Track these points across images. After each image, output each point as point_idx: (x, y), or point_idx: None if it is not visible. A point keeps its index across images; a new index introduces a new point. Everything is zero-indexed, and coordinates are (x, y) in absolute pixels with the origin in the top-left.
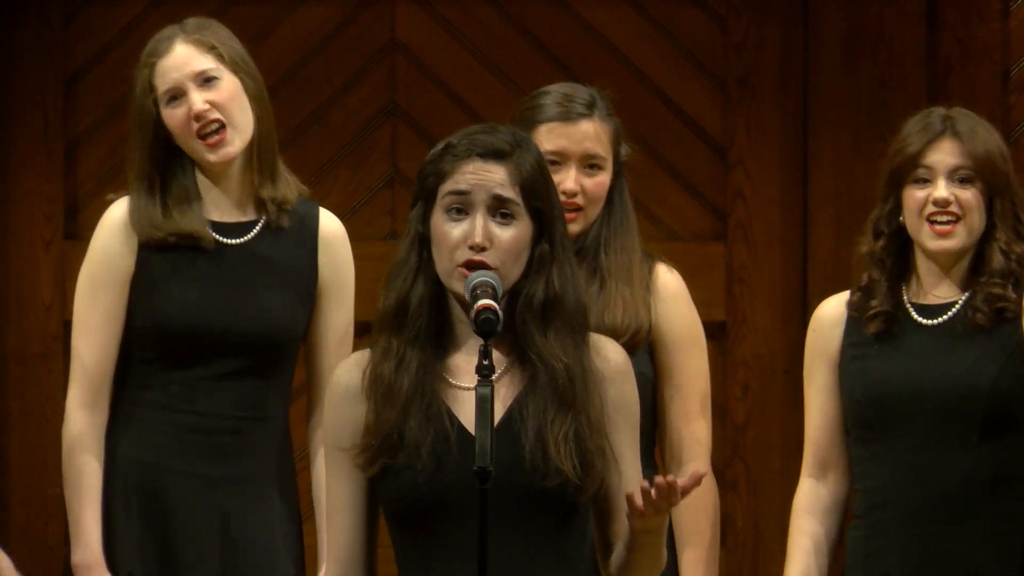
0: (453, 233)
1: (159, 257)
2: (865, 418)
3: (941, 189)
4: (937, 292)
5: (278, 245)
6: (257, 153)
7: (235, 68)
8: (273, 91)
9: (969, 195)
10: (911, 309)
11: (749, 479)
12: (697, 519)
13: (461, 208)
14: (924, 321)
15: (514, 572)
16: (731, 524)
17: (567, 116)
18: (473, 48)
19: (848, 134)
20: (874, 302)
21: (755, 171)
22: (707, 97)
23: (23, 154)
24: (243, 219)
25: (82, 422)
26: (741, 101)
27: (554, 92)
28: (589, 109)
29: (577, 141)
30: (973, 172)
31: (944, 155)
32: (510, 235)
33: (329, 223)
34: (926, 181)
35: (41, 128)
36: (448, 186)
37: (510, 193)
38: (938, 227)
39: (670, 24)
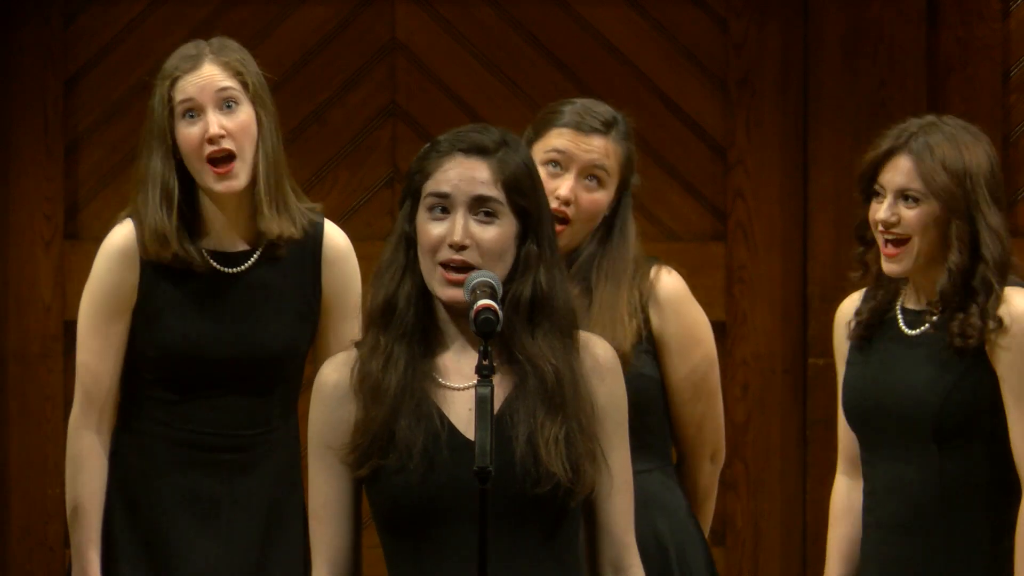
0: (433, 232)
1: (161, 287)
2: (849, 424)
3: (884, 209)
4: (920, 300)
5: (278, 268)
6: (264, 187)
7: (255, 99)
8: (273, 91)
9: (915, 215)
10: (899, 315)
11: (749, 479)
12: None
13: (444, 208)
14: (906, 330)
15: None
16: (731, 524)
17: (580, 127)
18: (473, 48)
19: (848, 134)
20: (864, 308)
21: (755, 171)
22: (707, 97)
23: (23, 154)
24: (241, 248)
25: (85, 443)
26: (741, 101)
27: (577, 103)
28: (605, 127)
29: (584, 150)
30: (921, 193)
31: (894, 173)
32: (492, 234)
33: (333, 239)
34: (880, 196)
35: (41, 128)
36: (430, 186)
37: (492, 191)
38: (888, 248)
39: (670, 24)
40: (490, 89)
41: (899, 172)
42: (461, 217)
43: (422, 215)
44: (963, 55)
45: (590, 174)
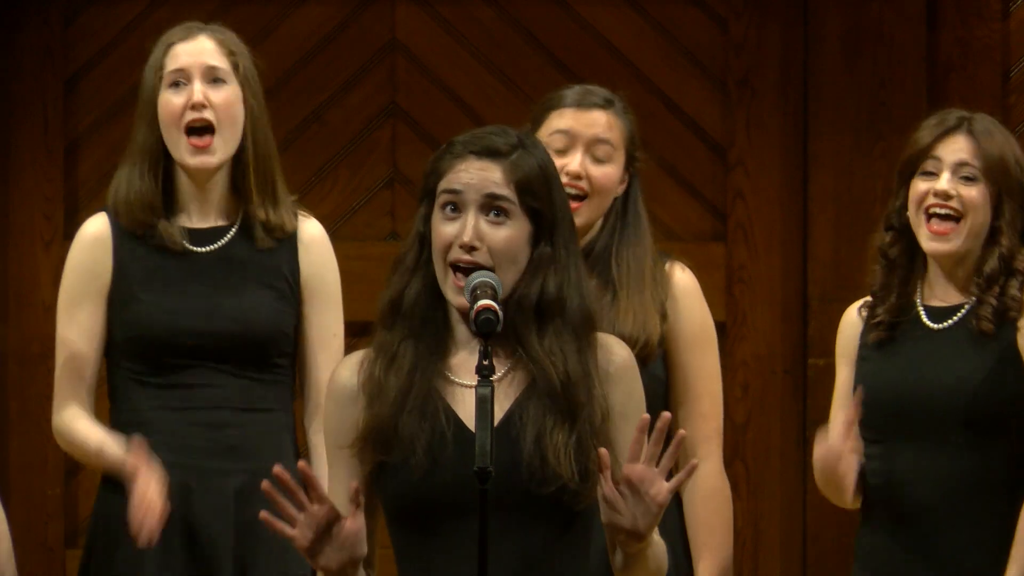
0: (445, 231)
1: (134, 269)
2: (865, 419)
3: (943, 181)
4: (944, 294)
5: (254, 248)
6: (255, 178)
7: (243, 82)
8: (273, 91)
9: (973, 193)
10: (922, 312)
11: (749, 479)
12: (712, 527)
13: (456, 206)
14: (932, 325)
15: (512, 574)
16: None
17: (580, 104)
18: (473, 48)
19: (848, 134)
20: (879, 310)
21: (755, 171)
22: (707, 97)
23: (23, 154)
24: (218, 224)
25: (68, 411)
26: (741, 101)
27: (575, 87)
28: (606, 103)
29: (587, 125)
30: (980, 172)
31: (953, 149)
32: (503, 235)
33: (309, 226)
34: (932, 174)
35: (41, 128)
36: (443, 184)
37: (503, 191)
38: (936, 225)
39: (670, 24)
40: (490, 89)
41: (959, 149)
42: (472, 217)
43: (437, 215)
44: (963, 55)
45: (597, 150)
